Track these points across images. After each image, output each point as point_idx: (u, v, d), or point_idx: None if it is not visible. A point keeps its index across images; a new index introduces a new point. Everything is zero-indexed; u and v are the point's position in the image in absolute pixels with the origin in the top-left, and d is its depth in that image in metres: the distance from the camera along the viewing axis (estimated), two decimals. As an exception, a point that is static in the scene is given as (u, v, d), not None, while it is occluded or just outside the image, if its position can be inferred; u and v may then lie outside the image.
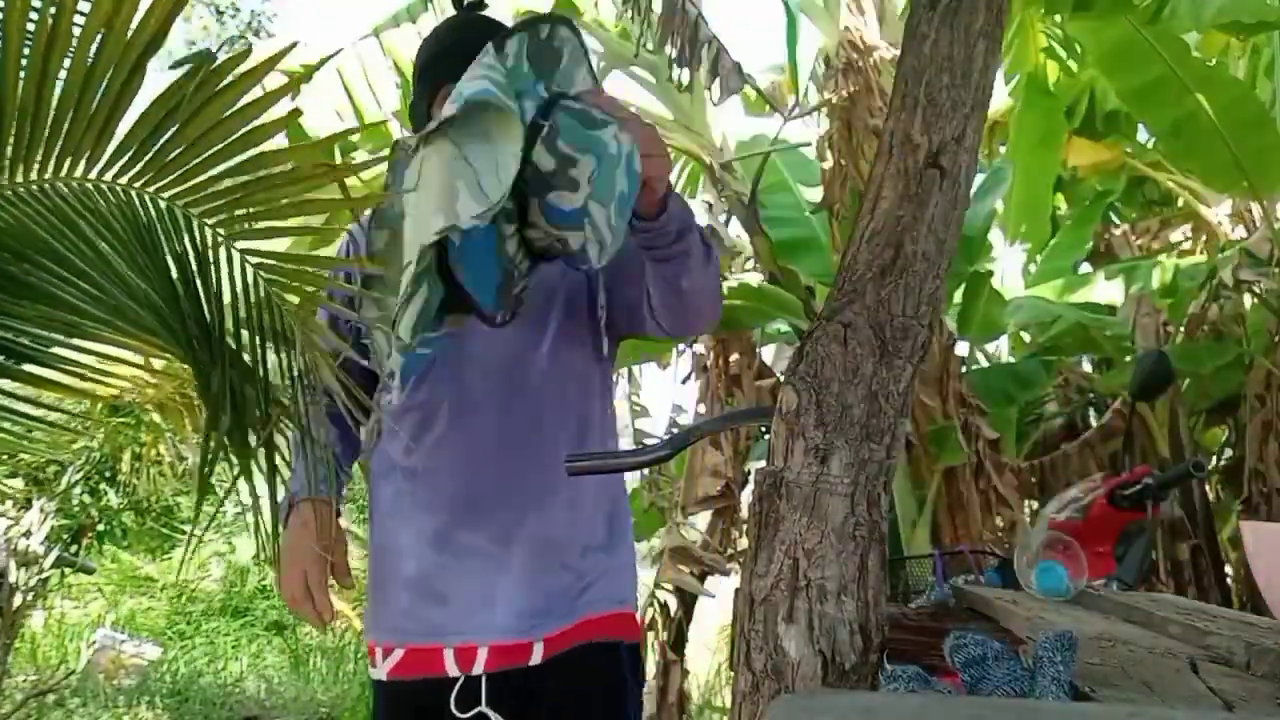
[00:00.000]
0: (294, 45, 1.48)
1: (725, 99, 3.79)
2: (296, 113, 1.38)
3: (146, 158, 1.25)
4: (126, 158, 1.26)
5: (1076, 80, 5.50)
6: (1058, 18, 4.75)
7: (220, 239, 1.30)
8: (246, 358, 1.33)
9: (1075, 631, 0.75)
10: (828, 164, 4.39)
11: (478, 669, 1.44)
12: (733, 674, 0.96)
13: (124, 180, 1.28)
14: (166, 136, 1.23)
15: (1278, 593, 1.13)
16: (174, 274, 1.28)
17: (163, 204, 1.28)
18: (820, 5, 4.67)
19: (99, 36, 1.15)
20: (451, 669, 1.45)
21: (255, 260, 1.31)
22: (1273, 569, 1.17)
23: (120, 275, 1.27)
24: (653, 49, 3.92)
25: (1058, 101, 5.25)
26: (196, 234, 1.29)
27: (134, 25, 1.15)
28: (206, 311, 1.27)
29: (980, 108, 1.03)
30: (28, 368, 1.49)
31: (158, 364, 3.04)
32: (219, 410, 1.24)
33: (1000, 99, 5.44)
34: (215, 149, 1.25)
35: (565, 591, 1.49)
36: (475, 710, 1.42)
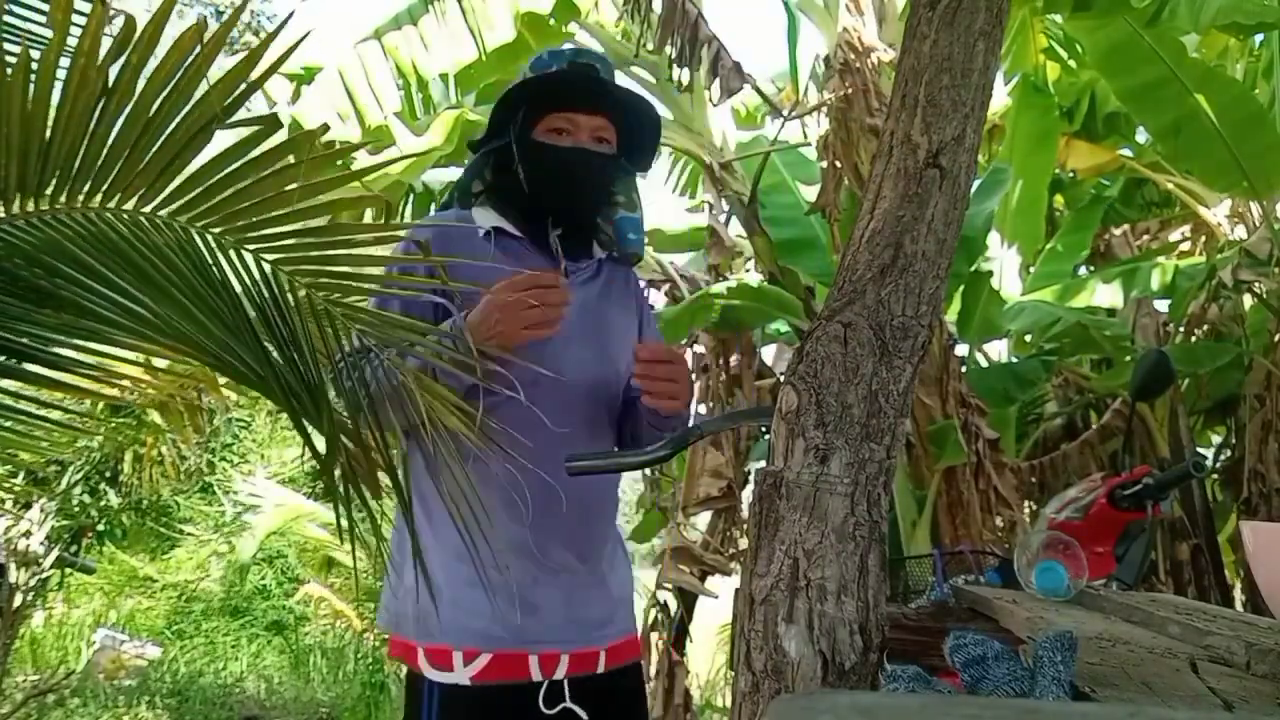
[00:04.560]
0: (324, 128, 1.65)
1: (725, 99, 3.80)
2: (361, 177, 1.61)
3: (211, 202, 1.38)
4: (190, 198, 1.39)
5: (1076, 81, 5.50)
6: (1057, 17, 4.74)
7: (310, 293, 1.39)
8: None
9: (1075, 631, 0.75)
10: (824, 165, 4.39)
11: (559, 674, 1.55)
12: (733, 674, 0.96)
13: (183, 218, 1.39)
14: (237, 187, 1.37)
15: (1278, 592, 1.13)
16: (251, 316, 1.35)
17: (230, 245, 1.38)
18: (820, 5, 4.68)
19: (161, 95, 1.30)
20: (536, 674, 1.54)
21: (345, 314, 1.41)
22: (1273, 569, 1.17)
23: (184, 308, 1.33)
24: (653, 49, 3.93)
25: (1053, 101, 5.25)
26: (274, 283, 1.38)
27: (199, 91, 1.31)
28: (300, 362, 1.32)
29: (980, 108, 1.03)
30: (30, 367, 1.50)
31: (159, 364, 3.04)
32: (330, 463, 1.30)
33: (999, 100, 5.44)
34: (293, 209, 1.39)
35: (619, 604, 1.68)
36: (560, 706, 1.52)
